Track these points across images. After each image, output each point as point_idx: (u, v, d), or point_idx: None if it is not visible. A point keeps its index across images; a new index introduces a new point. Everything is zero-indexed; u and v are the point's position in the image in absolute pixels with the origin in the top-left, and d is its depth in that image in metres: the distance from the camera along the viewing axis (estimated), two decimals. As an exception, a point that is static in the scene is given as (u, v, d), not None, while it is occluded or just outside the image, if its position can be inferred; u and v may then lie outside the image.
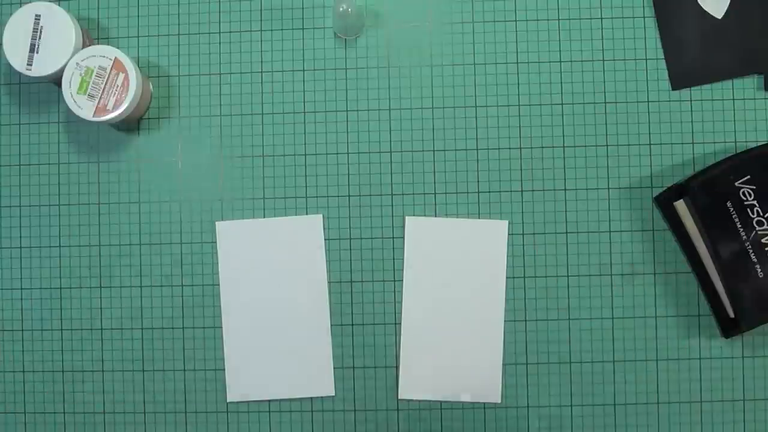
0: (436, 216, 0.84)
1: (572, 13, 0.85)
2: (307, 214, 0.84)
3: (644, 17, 0.85)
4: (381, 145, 0.85)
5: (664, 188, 0.84)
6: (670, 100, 0.84)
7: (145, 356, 0.84)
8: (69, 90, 0.79)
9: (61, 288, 0.85)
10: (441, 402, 0.83)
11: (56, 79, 0.82)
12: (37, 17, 0.79)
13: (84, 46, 0.81)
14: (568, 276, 0.83)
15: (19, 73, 0.86)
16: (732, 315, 0.81)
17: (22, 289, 0.85)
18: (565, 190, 0.84)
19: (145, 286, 0.84)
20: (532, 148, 0.84)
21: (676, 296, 0.83)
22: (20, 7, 0.84)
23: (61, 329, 0.85)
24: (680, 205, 0.82)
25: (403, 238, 0.84)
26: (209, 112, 0.85)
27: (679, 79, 0.84)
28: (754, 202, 0.78)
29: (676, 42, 0.84)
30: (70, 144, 0.86)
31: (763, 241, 0.78)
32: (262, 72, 0.85)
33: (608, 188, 0.84)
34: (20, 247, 0.85)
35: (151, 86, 0.85)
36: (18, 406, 0.84)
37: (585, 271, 0.83)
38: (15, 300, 0.85)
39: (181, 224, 0.85)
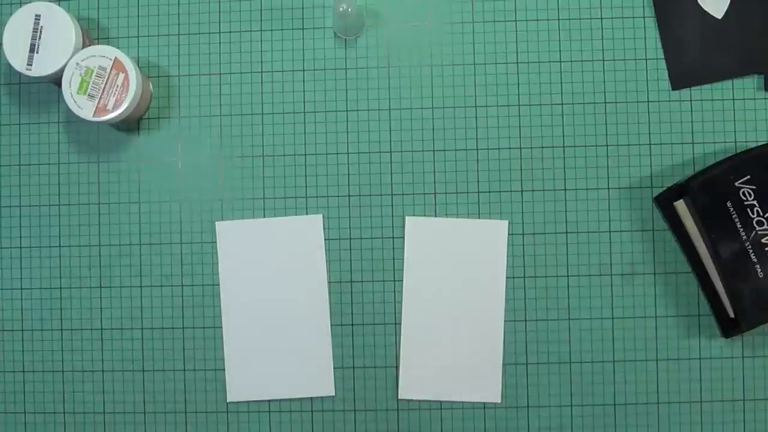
0: (436, 216, 0.84)
1: (572, 13, 0.85)
2: (307, 214, 0.84)
3: (644, 17, 0.85)
4: (381, 145, 0.85)
5: (664, 188, 0.84)
6: (670, 100, 0.84)
7: (145, 356, 0.84)
8: (69, 90, 0.79)
9: (61, 288, 0.85)
10: (441, 402, 0.83)
11: (56, 79, 0.82)
12: (37, 17, 0.79)
13: (84, 46, 0.81)
14: (568, 276, 0.83)
15: (19, 73, 0.86)
16: (732, 315, 0.81)
17: (22, 289, 0.85)
18: (565, 190, 0.84)
19: (145, 286, 0.84)
20: (532, 148, 0.84)
21: (676, 296, 0.83)
22: (20, 7, 0.84)
23: (61, 329, 0.85)
24: (680, 205, 0.82)
25: (403, 238, 0.84)
26: (209, 112, 0.85)
27: (679, 79, 0.84)
28: (754, 202, 0.78)
29: (676, 42, 0.84)
30: (70, 144, 0.86)
31: (763, 241, 0.78)
32: (262, 72, 0.85)
33: (608, 188, 0.84)
34: (20, 247, 0.85)
35: (151, 86, 0.85)
36: (18, 406, 0.84)
37: (585, 271, 0.83)
38: (15, 300, 0.85)
39: (181, 224, 0.85)
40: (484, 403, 0.83)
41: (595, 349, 0.83)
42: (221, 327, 0.84)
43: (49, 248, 0.85)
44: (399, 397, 0.83)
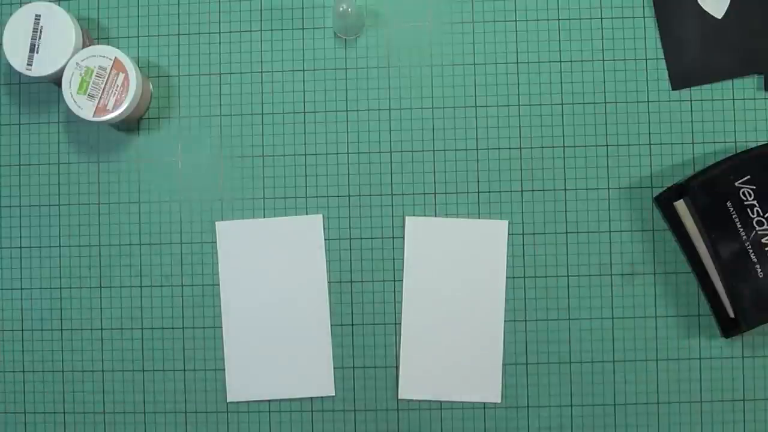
0: (436, 216, 0.84)
1: (572, 13, 0.85)
2: (307, 214, 0.84)
3: (644, 17, 0.85)
4: (381, 145, 0.85)
5: (664, 188, 0.84)
6: (670, 100, 0.84)
7: (145, 356, 0.84)
8: (69, 90, 0.79)
9: (61, 288, 0.85)
10: (441, 402, 0.83)
11: (56, 79, 0.82)
12: (37, 17, 0.79)
13: (84, 46, 0.81)
14: (568, 276, 0.83)
15: (19, 73, 0.86)
16: (732, 315, 0.81)
17: (22, 289, 0.85)
18: (565, 190, 0.84)
19: (145, 286, 0.84)
20: (532, 148, 0.84)
21: (676, 296, 0.83)
22: (20, 7, 0.84)
23: (61, 329, 0.85)
24: (680, 205, 0.82)
25: (403, 238, 0.84)
26: (209, 112, 0.85)
27: (679, 79, 0.84)
28: (754, 202, 0.78)
29: (676, 42, 0.84)
30: (70, 144, 0.86)
31: (763, 241, 0.78)
32: (262, 72, 0.85)
33: (608, 188, 0.84)
34: (20, 247, 0.85)
35: (151, 86, 0.85)
36: (18, 406, 0.84)
37: (585, 271, 0.83)
38: (15, 300, 0.85)
39: (181, 224, 0.85)
40: (484, 403, 0.83)
41: (595, 349, 0.83)
42: (221, 327, 0.84)
43: (49, 248, 0.85)
44: (399, 397, 0.83)
